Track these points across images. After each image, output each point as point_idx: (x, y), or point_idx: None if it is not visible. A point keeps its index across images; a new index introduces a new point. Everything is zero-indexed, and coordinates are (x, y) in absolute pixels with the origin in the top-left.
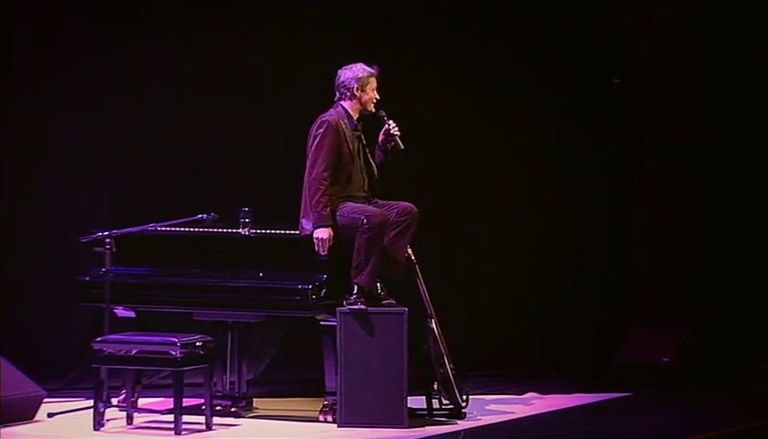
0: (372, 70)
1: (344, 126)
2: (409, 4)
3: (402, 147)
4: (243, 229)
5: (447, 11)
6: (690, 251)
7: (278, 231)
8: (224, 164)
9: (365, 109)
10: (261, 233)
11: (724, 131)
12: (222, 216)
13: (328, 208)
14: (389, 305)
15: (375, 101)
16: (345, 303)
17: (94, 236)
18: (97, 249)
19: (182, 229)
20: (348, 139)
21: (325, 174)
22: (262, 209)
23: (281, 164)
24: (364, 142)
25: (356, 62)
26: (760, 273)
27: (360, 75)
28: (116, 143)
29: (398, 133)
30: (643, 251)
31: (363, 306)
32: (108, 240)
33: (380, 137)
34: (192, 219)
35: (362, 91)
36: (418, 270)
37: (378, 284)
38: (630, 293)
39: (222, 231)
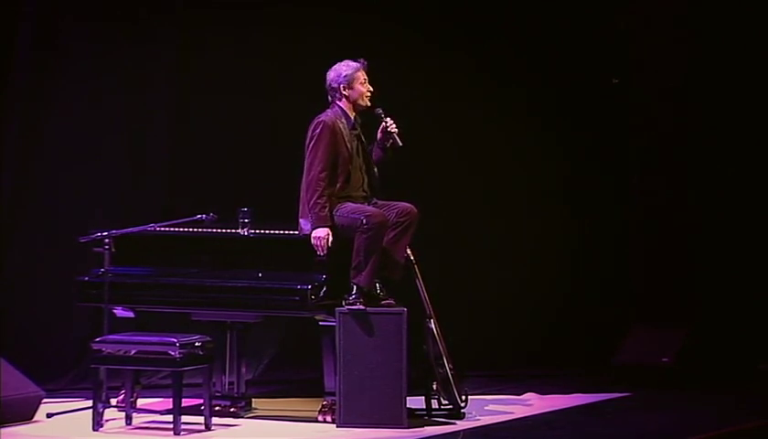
0: (357, 64)
1: (341, 126)
2: (409, 4)
3: (401, 144)
4: (242, 229)
5: (447, 11)
6: (690, 251)
7: (277, 232)
8: (224, 164)
9: (359, 104)
10: (260, 233)
11: (724, 131)
12: (221, 216)
13: (326, 209)
14: (389, 306)
15: (368, 94)
16: (344, 303)
17: (93, 236)
18: (96, 249)
19: (181, 229)
20: (346, 138)
21: (322, 175)
22: (262, 210)
23: (280, 164)
24: (364, 141)
25: (343, 60)
26: (759, 272)
27: (345, 72)
28: (116, 143)
29: (395, 130)
30: (642, 251)
31: (362, 306)
32: (107, 240)
33: (378, 135)
34: (191, 219)
35: (350, 88)
36: (417, 270)
37: (378, 285)
38: (630, 293)
39: (221, 232)
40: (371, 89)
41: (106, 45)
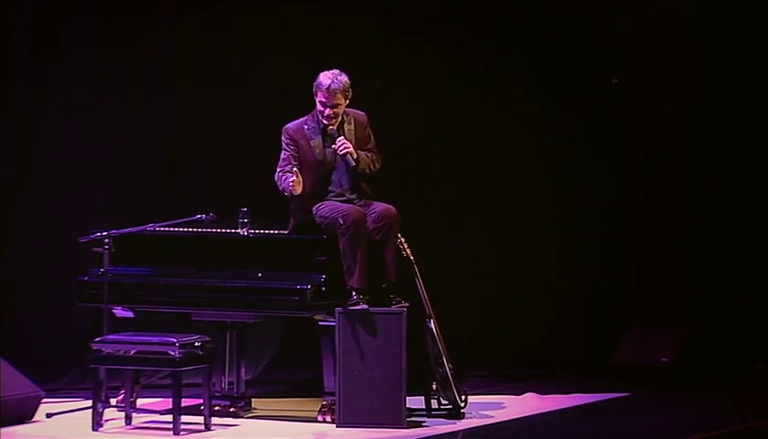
0: (324, 83)
1: (306, 132)
2: (409, 5)
3: (353, 164)
4: (242, 229)
5: (446, 11)
6: (689, 252)
7: (277, 232)
8: (224, 164)
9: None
10: (259, 233)
11: (724, 132)
12: (221, 216)
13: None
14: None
15: (325, 115)
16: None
17: (93, 236)
18: (96, 249)
19: (181, 229)
20: (312, 143)
21: (280, 169)
22: (261, 210)
23: None
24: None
25: (337, 68)
26: (758, 273)
27: (316, 82)
28: (115, 143)
29: (345, 151)
30: (642, 252)
31: (365, 306)
32: (107, 240)
33: None
34: (191, 219)
35: (315, 97)
36: (417, 270)
37: (391, 295)
38: (629, 293)
39: (221, 232)
40: (328, 114)
41: (105, 45)
